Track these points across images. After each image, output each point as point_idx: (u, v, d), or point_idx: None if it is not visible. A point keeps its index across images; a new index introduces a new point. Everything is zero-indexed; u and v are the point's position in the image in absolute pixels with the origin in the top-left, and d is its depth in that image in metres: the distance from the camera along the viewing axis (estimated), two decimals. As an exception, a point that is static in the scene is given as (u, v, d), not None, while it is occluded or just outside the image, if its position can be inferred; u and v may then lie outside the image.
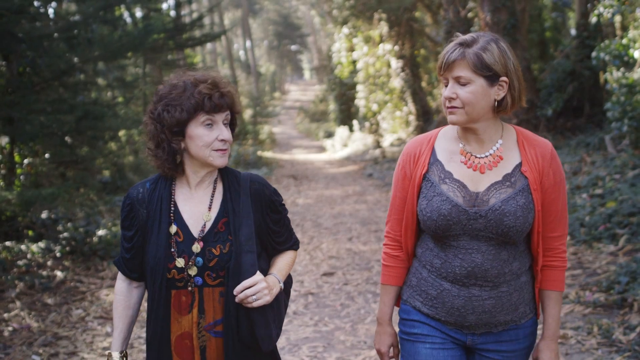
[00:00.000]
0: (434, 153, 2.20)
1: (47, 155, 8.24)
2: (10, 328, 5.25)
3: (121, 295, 2.27)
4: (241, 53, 58.10)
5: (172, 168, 2.18)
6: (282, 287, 2.21)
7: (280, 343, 4.75)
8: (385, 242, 2.33)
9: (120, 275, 2.29)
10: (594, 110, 12.08)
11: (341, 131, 25.34)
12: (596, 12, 8.85)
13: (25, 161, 8.86)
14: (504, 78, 2.04)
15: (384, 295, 2.32)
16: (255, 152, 20.97)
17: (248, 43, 48.56)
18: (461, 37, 2.08)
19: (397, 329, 2.31)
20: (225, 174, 2.26)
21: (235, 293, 2.07)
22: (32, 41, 6.65)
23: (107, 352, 2.24)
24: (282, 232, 2.30)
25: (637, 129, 7.83)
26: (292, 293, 6.03)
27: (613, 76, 8.25)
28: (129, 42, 8.73)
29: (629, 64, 8.31)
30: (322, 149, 27.29)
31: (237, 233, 2.15)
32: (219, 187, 2.23)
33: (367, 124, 22.19)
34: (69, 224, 8.31)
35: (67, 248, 7.50)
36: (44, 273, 6.74)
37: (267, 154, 23.89)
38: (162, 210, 2.18)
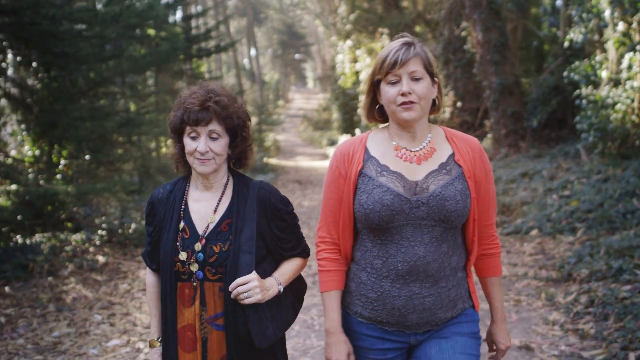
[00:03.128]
0: (367, 151, 2.25)
1: (87, 157, 9.35)
2: (70, 297, 6.38)
3: (153, 287, 2.48)
4: (245, 61, 58.61)
5: (182, 167, 2.41)
6: (281, 290, 2.31)
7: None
8: (322, 247, 2.32)
9: (148, 270, 2.51)
10: (575, 122, 13.18)
11: (344, 139, 26.24)
12: (567, 37, 10.03)
13: (62, 162, 10.00)
14: (436, 78, 2.20)
15: (330, 302, 2.28)
16: (261, 158, 21.99)
17: (253, 51, 49.25)
18: (405, 38, 2.17)
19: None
20: (237, 180, 2.42)
21: (230, 289, 2.21)
22: (82, 59, 7.78)
23: (149, 340, 2.48)
24: (288, 239, 2.40)
25: (601, 139, 8.97)
26: (303, 272, 7.15)
27: (583, 93, 9.40)
28: (157, 58, 9.91)
29: (596, 83, 9.46)
30: (325, 157, 28.13)
31: (237, 234, 2.28)
32: (228, 191, 2.39)
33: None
34: (103, 217, 9.48)
35: (105, 237, 8.66)
36: (88, 257, 7.89)
37: (272, 160, 24.87)
38: (175, 208, 2.37)
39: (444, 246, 2.14)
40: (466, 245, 2.25)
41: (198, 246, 2.28)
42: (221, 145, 2.28)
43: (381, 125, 2.36)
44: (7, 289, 6.51)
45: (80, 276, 7.14)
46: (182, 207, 2.36)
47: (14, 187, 8.67)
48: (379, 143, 2.26)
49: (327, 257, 2.29)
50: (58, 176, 9.66)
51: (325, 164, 24.59)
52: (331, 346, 2.25)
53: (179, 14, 24.66)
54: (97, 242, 8.52)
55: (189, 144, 2.27)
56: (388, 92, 2.14)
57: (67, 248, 8.08)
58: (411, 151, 2.20)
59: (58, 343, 5.11)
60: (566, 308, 5.04)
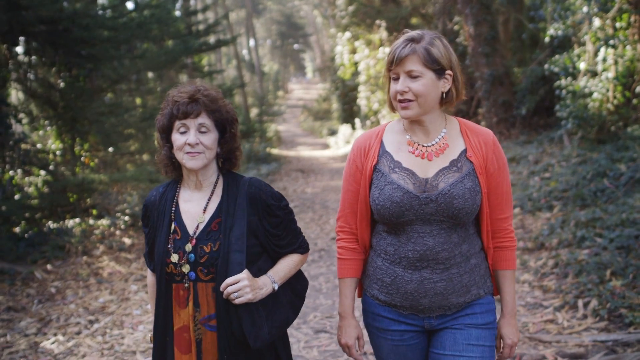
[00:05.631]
0: (382, 145, 2.29)
1: (110, 149, 10.22)
2: (106, 272, 7.26)
3: (153, 287, 2.49)
4: (245, 52, 58.98)
5: (171, 170, 2.38)
6: (275, 289, 2.30)
7: (303, 277, 6.76)
8: (340, 237, 2.40)
9: (149, 269, 2.53)
10: (556, 110, 14.00)
11: (344, 129, 26.65)
12: (548, 32, 10.90)
13: (84, 154, 10.85)
14: (449, 71, 2.16)
15: (345, 289, 2.39)
16: (264, 149, 22.75)
17: (252, 42, 49.64)
18: (409, 34, 2.17)
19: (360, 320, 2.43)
20: (227, 178, 2.40)
21: (220, 289, 2.20)
22: (106, 60, 8.64)
23: (150, 336, 2.51)
24: (282, 236, 2.38)
25: (579, 126, 9.82)
26: (310, 248, 8.04)
27: (562, 84, 10.25)
28: (171, 57, 10.75)
29: (574, 75, 10.31)
30: (325, 146, 28.78)
31: (227, 233, 2.26)
32: (218, 190, 2.37)
33: (368, 122, 23.54)
34: (125, 204, 10.35)
35: (129, 222, 9.53)
36: (116, 239, 8.77)
37: (274, 150, 25.58)
38: (166, 210, 2.36)
39: (454, 237, 2.20)
40: (481, 235, 2.30)
41: (189, 247, 2.30)
42: (211, 139, 2.29)
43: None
44: (49, 266, 7.38)
45: (112, 255, 8.02)
46: (173, 208, 2.37)
47: (40, 178, 9.59)
48: (395, 137, 2.30)
49: (344, 245, 2.37)
50: (80, 167, 10.54)
51: (326, 153, 25.38)
52: (341, 329, 2.39)
53: (177, 6, 25.29)
54: (122, 227, 9.39)
55: (178, 139, 2.27)
56: (391, 88, 2.20)
57: (96, 232, 8.96)
58: (424, 146, 2.24)
59: (105, 307, 6.00)
60: (535, 270, 5.93)
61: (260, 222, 2.32)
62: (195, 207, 2.35)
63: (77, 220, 9.34)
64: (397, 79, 2.16)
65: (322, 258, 7.65)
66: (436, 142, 2.23)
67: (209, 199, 2.35)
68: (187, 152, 2.25)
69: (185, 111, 2.24)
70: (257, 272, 2.28)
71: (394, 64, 2.13)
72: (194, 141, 2.23)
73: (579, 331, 4.48)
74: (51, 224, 9.06)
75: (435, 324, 2.27)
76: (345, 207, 2.36)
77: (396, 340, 2.31)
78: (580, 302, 4.90)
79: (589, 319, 4.64)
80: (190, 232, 2.31)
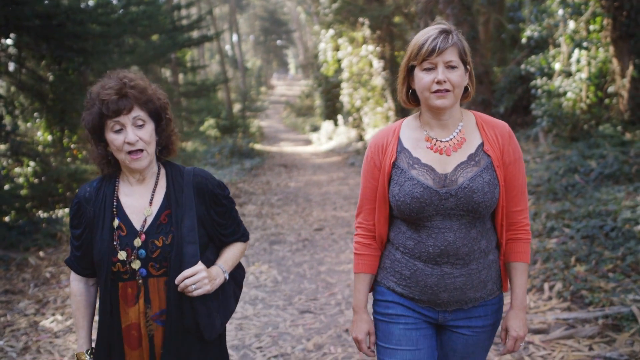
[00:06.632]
0: (400, 142, 2.29)
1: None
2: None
3: (80, 295, 2.34)
4: (227, 48, 58.95)
5: (108, 168, 2.28)
6: (227, 278, 2.30)
7: (287, 264, 7.09)
8: (357, 232, 2.41)
9: (74, 276, 2.35)
10: (531, 109, 14.43)
11: (326, 125, 27.06)
12: (525, 34, 11.33)
13: (73, 145, 11.09)
14: (469, 67, 2.22)
15: (359, 284, 2.39)
16: (247, 144, 22.96)
17: (235, 38, 49.70)
18: (441, 26, 2.19)
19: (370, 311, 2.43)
20: (169, 169, 2.34)
21: (176, 282, 2.14)
22: (96, 55, 8.89)
23: (75, 353, 2.33)
24: (228, 225, 2.37)
25: (554, 124, 10.25)
26: (294, 238, 8.39)
27: (538, 83, 10.67)
28: (159, 52, 11.00)
29: (549, 75, 10.75)
30: (308, 142, 29.08)
31: (179, 225, 2.20)
32: (161, 181, 2.30)
33: (350, 118, 23.87)
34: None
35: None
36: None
37: (257, 146, 25.77)
38: (106, 206, 2.23)
39: (473, 232, 2.20)
40: (496, 230, 2.30)
41: (138, 242, 2.21)
42: (148, 132, 2.21)
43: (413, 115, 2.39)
44: (41, 253, 7.64)
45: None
46: (114, 203, 2.25)
47: (30, 169, 9.82)
48: (411, 133, 2.31)
49: (360, 241, 2.38)
50: (69, 159, 10.79)
51: (308, 149, 25.66)
52: (354, 324, 2.40)
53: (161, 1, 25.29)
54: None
55: (115, 138, 2.16)
56: (423, 79, 2.17)
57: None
58: (441, 142, 2.25)
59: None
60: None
61: (208, 212, 2.30)
62: (139, 200, 2.26)
63: (67, 210, 9.59)
64: (430, 69, 2.15)
65: (305, 247, 7.98)
66: (453, 137, 2.24)
67: (154, 191, 2.28)
68: (129, 153, 2.16)
69: (116, 109, 2.13)
70: (206, 263, 2.25)
71: (436, 53, 2.12)
72: (133, 139, 2.14)
73: (544, 311, 4.85)
74: (41, 214, 9.31)
75: (449, 318, 2.30)
76: (363, 203, 2.37)
77: (410, 324, 2.30)
78: (546, 286, 5.28)
79: (554, 300, 5.02)
80: (138, 227, 2.22)
